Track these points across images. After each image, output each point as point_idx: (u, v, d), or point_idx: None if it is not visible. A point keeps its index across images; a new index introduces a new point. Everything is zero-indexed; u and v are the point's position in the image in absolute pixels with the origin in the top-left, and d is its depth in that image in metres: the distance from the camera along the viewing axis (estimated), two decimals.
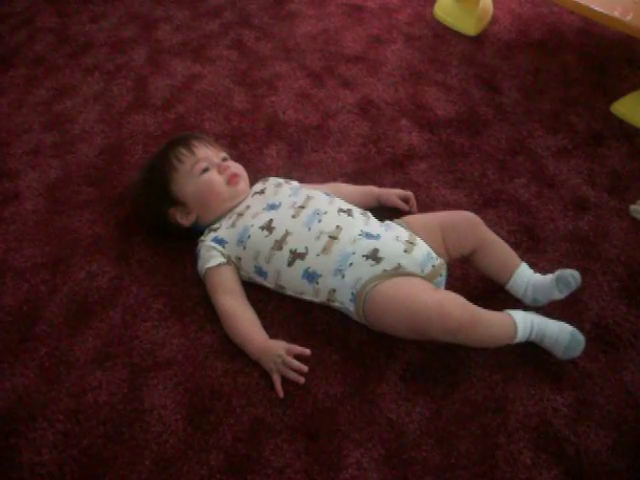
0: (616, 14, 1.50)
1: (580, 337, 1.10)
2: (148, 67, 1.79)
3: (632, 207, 1.38)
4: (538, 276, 1.19)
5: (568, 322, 1.13)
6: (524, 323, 1.10)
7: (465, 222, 1.23)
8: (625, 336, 1.19)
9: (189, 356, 1.17)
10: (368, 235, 1.16)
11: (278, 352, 1.12)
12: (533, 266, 1.24)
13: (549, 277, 1.17)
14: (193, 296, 1.26)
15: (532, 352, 1.14)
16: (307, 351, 1.13)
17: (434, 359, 1.15)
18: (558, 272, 1.16)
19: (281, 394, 1.10)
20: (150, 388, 1.13)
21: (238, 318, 1.18)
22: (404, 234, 1.18)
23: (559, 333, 1.10)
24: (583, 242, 1.33)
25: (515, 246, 1.29)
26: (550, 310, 1.20)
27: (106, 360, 1.17)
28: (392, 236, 1.17)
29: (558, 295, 1.16)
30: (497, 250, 1.21)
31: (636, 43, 1.78)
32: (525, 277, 1.19)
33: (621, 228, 1.36)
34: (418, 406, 1.10)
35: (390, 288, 1.10)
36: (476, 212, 1.31)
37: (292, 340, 1.16)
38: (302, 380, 1.11)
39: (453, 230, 1.20)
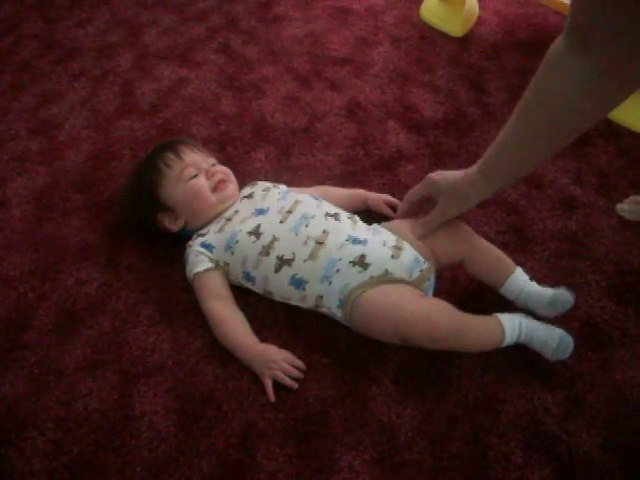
0: None
1: (569, 339, 1.10)
2: (134, 72, 1.79)
3: (619, 206, 1.39)
4: (533, 286, 1.17)
5: (557, 321, 1.14)
6: (512, 327, 1.10)
7: (454, 231, 1.21)
8: (614, 334, 1.19)
9: (179, 362, 1.17)
10: (355, 240, 1.16)
11: (272, 357, 1.12)
12: (522, 266, 1.24)
13: (544, 293, 1.16)
14: (183, 301, 1.25)
15: (522, 352, 1.15)
16: (303, 366, 1.14)
17: (424, 361, 1.15)
18: (552, 296, 1.15)
19: (272, 398, 1.10)
20: (140, 394, 1.13)
21: (228, 323, 1.17)
22: (391, 239, 1.17)
23: (547, 336, 1.10)
24: (571, 241, 1.34)
25: (504, 246, 1.30)
26: None
27: (96, 367, 1.17)
28: (379, 241, 1.16)
29: (545, 314, 1.16)
30: (487, 259, 1.20)
31: None
32: (519, 284, 1.17)
33: (609, 227, 1.36)
34: (409, 408, 1.10)
35: (377, 296, 1.10)
36: (464, 213, 1.32)
37: (282, 344, 1.16)
38: (296, 385, 1.11)
39: (441, 238, 1.19)
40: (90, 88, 1.75)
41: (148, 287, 1.28)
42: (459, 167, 1.48)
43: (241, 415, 1.10)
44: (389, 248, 1.15)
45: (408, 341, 1.10)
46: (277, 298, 1.20)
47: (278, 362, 1.12)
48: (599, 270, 1.29)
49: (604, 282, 1.27)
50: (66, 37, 1.93)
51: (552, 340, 1.10)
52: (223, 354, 1.17)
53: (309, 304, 1.17)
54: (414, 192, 1.19)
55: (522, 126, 0.97)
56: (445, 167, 1.36)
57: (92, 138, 1.60)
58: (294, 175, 1.47)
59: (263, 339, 1.17)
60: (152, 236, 1.33)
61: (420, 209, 1.21)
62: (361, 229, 1.20)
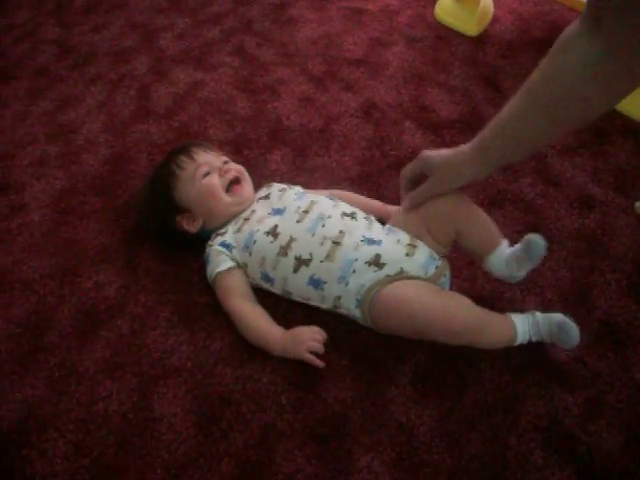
0: None
1: (567, 325, 1.10)
2: (151, 76, 1.80)
3: (637, 204, 1.37)
4: (509, 252, 1.15)
5: (576, 320, 1.13)
6: (523, 327, 1.11)
7: (445, 209, 1.16)
8: (634, 334, 1.18)
9: (198, 363, 1.17)
10: (370, 241, 1.16)
11: (303, 331, 1.14)
12: (540, 265, 1.23)
13: (517, 249, 1.13)
14: (200, 304, 1.26)
15: (541, 352, 1.14)
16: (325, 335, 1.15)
17: (443, 362, 1.15)
18: (525, 242, 1.11)
19: (322, 364, 1.12)
20: (160, 396, 1.13)
21: (255, 317, 1.18)
22: (405, 237, 1.17)
23: (549, 327, 1.11)
24: (590, 240, 1.33)
25: None
26: (558, 309, 1.19)
27: (115, 369, 1.17)
28: (394, 240, 1.16)
29: (530, 264, 1.13)
30: (475, 232, 1.17)
31: None
32: (502, 258, 1.15)
33: (628, 225, 1.35)
34: (428, 409, 1.10)
35: (394, 292, 1.10)
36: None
37: None
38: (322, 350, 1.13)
39: (434, 220, 1.17)
40: (107, 92, 1.76)
41: (166, 289, 1.29)
42: None
43: (260, 416, 1.10)
44: (404, 246, 1.15)
45: (424, 335, 1.10)
46: (296, 298, 1.21)
47: (308, 334, 1.13)
48: (618, 269, 1.28)
49: (623, 281, 1.26)
50: (83, 42, 1.95)
51: (555, 334, 1.11)
52: (241, 356, 1.17)
53: (328, 304, 1.17)
54: (407, 169, 1.16)
55: (524, 105, 0.94)
56: None
57: (109, 142, 1.61)
58: (310, 176, 1.47)
59: None
60: (171, 241, 1.34)
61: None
62: (376, 229, 1.20)
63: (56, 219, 1.44)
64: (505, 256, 1.14)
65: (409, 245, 1.16)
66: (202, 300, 1.26)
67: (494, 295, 1.24)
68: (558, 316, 1.12)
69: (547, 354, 1.14)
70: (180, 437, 1.08)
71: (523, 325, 1.11)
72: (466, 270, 1.27)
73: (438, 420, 1.08)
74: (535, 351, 1.14)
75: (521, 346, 1.12)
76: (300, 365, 1.15)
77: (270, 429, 1.08)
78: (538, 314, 1.13)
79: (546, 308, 1.20)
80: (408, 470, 1.03)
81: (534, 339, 1.12)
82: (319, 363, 1.11)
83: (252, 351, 1.17)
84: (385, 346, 1.17)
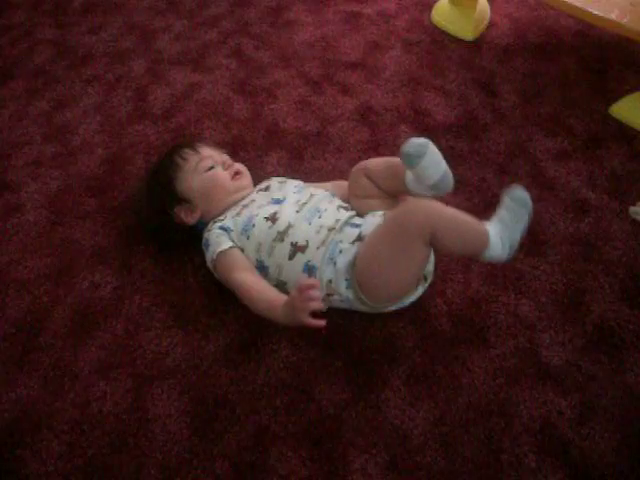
0: (613, 17, 1.50)
1: (519, 193, 1.15)
2: (148, 77, 1.80)
3: (632, 209, 1.38)
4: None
5: (569, 324, 1.13)
6: (494, 229, 1.13)
7: (352, 179, 1.30)
8: (628, 338, 1.19)
9: (193, 365, 1.17)
10: (352, 225, 1.19)
11: (300, 293, 1.01)
12: (535, 269, 1.24)
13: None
14: (196, 305, 1.26)
15: (534, 356, 1.15)
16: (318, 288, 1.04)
17: (437, 364, 1.15)
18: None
19: (323, 323, 1.01)
20: (154, 397, 1.13)
21: (259, 288, 1.15)
22: (378, 212, 1.22)
23: (509, 209, 1.15)
24: (584, 244, 1.34)
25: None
26: (552, 313, 1.20)
27: (110, 370, 1.17)
28: (370, 216, 1.22)
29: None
30: (379, 172, 1.26)
31: (633, 45, 1.78)
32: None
33: (622, 230, 1.36)
34: (422, 411, 1.10)
35: (366, 241, 1.13)
36: (477, 216, 1.31)
37: (295, 348, 1.17)
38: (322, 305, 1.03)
39: (356, 190, 1.28)
40: (104, 93, 1.76)
41: (161, 291, 1.29)
42: (471, 170, 1.49)
43: (254, 418, 1.10)
44: (379, 217, 1.20)
45: (412, 236, 1.08)
46: (291, 289, 1.19)
47: (301, 297, 1.01)
48: (612, 273, 1.29)
49: (617, 285, 1.27)
50: (80, 43, 1.94)
51: (508, 206, 1.15)
52: (236, 357, 1.17)
53: (322, 293, 1.16)
54: None
55: None
56: (457, 171, 1.37)
57: (106, 143, 1.61)
58: (306, 179, 1.47)
59: (276, 341, 1.18)
60: (165, 237, 1.34)
61: None
62: (358, 218, 1.23)
63: (52, 219, 1.43)
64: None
65: (383, 215, 1.21)
66: (197, 301, 1.26)
67: (488, 298, 1.24)
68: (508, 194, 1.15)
69: (541, 357, 1.15)
70: (174, 438, 1.08)
71: (493, 227, 1.13)
72: (461, 274, 1.27)
73: (432, 423, 1.08)
74: (528, 354, 1.15)
75: (514, 349, 1.12)
76: (294, 367, 1.15)
77: (264, 431, 1.08)
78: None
79: (540, 312, 1.21)
80: (402, 473, 1.03)
81: (506, 243, 1.12)
82: (321, 323, 1.01)
83: (247, 353, 1.18)
84: (379, 348, 1.17)
